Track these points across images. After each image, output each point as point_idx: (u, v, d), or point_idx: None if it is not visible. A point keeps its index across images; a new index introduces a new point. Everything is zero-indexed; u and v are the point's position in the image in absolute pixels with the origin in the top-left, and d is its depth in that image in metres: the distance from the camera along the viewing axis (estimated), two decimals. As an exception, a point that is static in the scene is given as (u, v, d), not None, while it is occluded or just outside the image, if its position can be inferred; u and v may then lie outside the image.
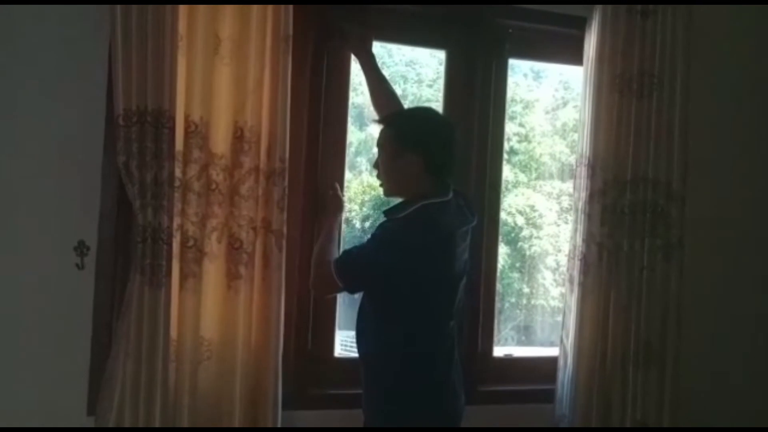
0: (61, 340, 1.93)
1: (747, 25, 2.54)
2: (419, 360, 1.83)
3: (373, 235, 1.85)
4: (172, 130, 1.84)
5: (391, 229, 1.83)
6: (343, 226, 2.24)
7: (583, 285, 2.23)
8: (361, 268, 1.82)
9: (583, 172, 2.26)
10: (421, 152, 1.82)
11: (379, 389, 1.87)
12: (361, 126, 2.73)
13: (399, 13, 2.26)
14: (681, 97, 2.26)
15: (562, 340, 2.30)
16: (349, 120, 2.29)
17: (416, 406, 1.82)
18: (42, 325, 1.92)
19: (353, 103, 2.31)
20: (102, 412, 1.85)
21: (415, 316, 1.82)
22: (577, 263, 2.25)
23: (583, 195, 2.25)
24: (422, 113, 1.99)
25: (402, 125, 1.88)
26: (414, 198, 1.84)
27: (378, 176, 1.93)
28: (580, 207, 2.26)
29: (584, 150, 2.25)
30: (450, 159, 1.88)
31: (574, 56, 2.32)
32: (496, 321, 2.44)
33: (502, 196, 2.44)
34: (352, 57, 2.20)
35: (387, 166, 1.88)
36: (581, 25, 2.29)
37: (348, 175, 2.33)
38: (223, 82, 1.93)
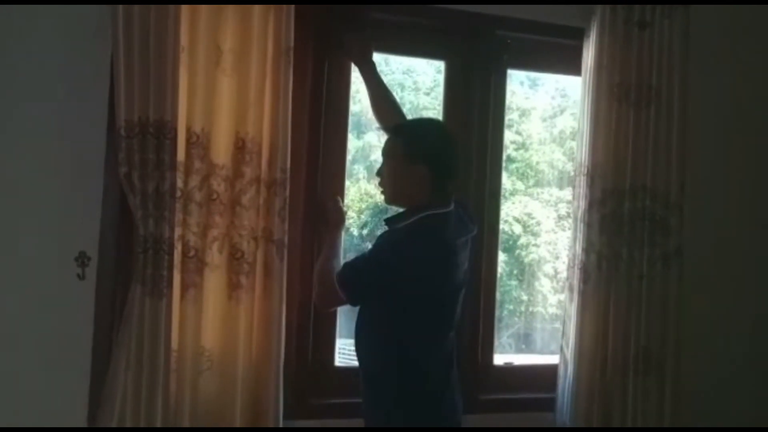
0: (62, 350, 1.93)
1: (744, 34, 2.55)
2: (418, 370, 1.84)
3: (374, 246, 1.86)
4: (174, 140, 1.84)
5: (393, 240, 1.84)
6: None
7: (582, 293, 2.24)
8: (363, 280, 1.83)
9: (582, 181, 2.27)
10: (429, 164, 1.84)
11: (379, 399, 1.87)
12: (359, 134, 2.74)
13: (399, 24, 2.27)
14: (678, 106, 2.28)
15: (562, 348, 2.31)
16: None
17: (415, 416, 1.82)
18: (43, 336, 1.91)
19: (351, 112, 2.32)
20: (103, 423, 1.85)
21: (415, 327, 1.83)
22: (577, 272, 2.26)
23: (583, 204, 2.26)
24: (431, 125, 2.01)
25: (412, 136, 1.90)
26: (416, 208, 1.86)
27: (380, 184, 1.95)
28: (579, 216, 2.27)
29: (583, 159, 2.27)
30: (455, 171, 1.92)
31: (572, 67, 2.34)
32: (495, 329, 2.45)
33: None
34: (353, 66, 2.21)
35: (393, 175, 1.90)
36: (579, 36, 2.30)
37: (346, 182, 2.35)
38: (224, 93, 1.94)
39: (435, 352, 1.86)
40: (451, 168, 1.90)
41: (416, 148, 1.85)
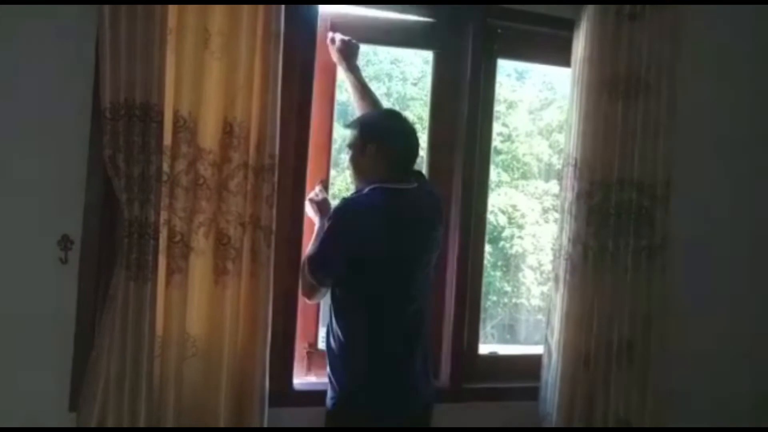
0: (44, 335, 1.90)
1: (733, 28, 2.57)
2: (368, 344, 1.88)
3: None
4: (161, 124, 1.82)
5: (339, 208, 1.94)
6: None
7: (568, 284, 2.26)
8: (321, 253, 1.91)
9: (569, 172, 2.28)
10: (377, 141, 1.94)
11: (333, 375, 1.92)
12: (345, 123, 2.73)
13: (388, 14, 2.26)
14: (667, 99, 2.30)
15: (546, 339, 2.32)
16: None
17: (365, 391, 1.87)
18: (24, 320, 1.88)
19: (337, 101, 2.32)
20: (84, 408, 1.83)
21: (364, 298, 1.89)
22: (563, 263, 2.27)
23: (570, 195, 2.27)
24: (381, 113, 2.12)
25: (363, 121, 2.04)
26: (368, 182, 1.94)
27: (351, 174, 2.05)
28: (566, 207, 2.29)
29: (571, 151, 2.28)
30: (405, 151, 1.98)
31: (562, 58, 2.34)
32: (480, 318, 2.46)
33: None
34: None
35: (353, 160, 2.01)
36: (569, 27, 2.30)
37: (332, 172, 2.34)
38: (212, 77, 1.91)
39: (388, 328, 1.89)
40: (402, 148, 1.97)
41: (366, 129, 1.98)
